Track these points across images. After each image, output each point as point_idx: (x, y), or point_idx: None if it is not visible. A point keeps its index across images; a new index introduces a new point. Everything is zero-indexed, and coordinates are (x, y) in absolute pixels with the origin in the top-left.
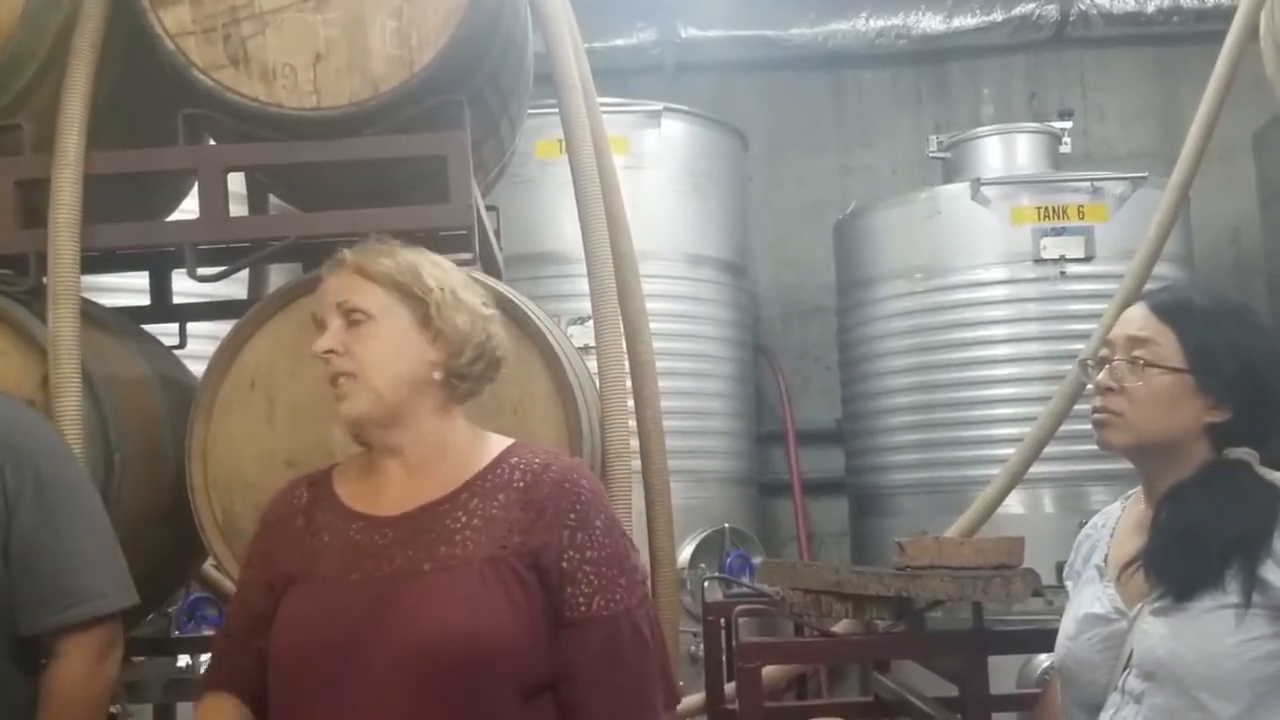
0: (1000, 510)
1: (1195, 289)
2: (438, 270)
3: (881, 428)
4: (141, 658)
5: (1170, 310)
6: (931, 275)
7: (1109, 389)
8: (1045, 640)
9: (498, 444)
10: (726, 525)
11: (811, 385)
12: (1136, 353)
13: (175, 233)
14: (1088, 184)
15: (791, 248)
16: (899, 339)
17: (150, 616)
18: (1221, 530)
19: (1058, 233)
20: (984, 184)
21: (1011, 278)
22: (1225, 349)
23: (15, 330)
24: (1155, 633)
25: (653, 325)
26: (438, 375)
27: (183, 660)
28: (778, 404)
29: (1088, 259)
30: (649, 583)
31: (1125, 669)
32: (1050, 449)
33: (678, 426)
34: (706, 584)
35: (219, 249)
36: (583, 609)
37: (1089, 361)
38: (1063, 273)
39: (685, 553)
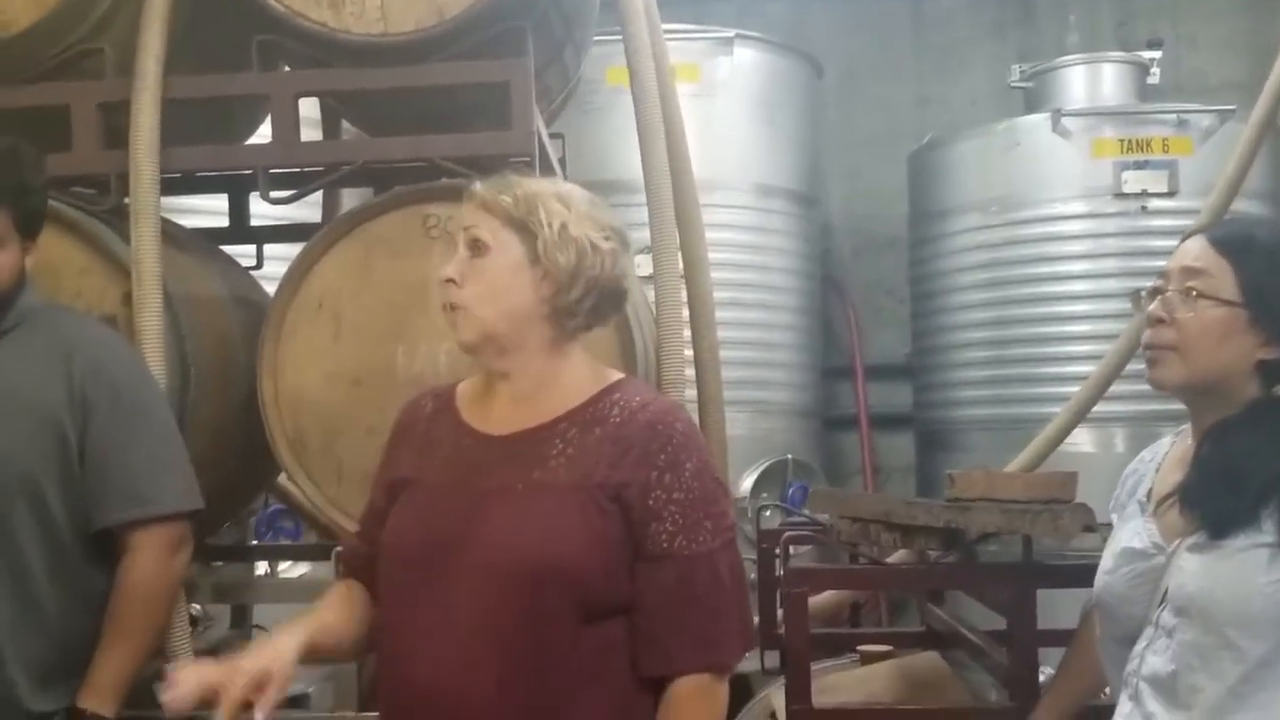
0: (1070, 449)
1: (1259, 223)
2: (556, 204)
3: (952, 362)
4: (220, 563)
5: (1229, 243)
6: (1008, 209)
7: (1159, 320)
8: (1095, 576)
9: (606, 378)
10: (789, 457)
11: (882, 318)
12: (1190, 284)
13: (248, 156)
14: (1173, 116)
15: (865, 179)
16: (973, 273)
17: (228, 525)
18: (1261, 468)
19: (1140, 166)
20: (1064, 115)
21: (1090, 212)
22: None
23: (98, 248)
24: (1189, 569)
25: (720, 255)
26: (545, 310)
27: (261, 567)
28: (846, 337)
29: (1170, 194)
30: (736, 526)
31: (1160, 604)
32: (1122, 387)
33: (743, 357)
34: (767, 513)
35: (293, 173)
36: (664, 545)
37: (1142, 293)
38: (1144, 208)
39: (747, 483)
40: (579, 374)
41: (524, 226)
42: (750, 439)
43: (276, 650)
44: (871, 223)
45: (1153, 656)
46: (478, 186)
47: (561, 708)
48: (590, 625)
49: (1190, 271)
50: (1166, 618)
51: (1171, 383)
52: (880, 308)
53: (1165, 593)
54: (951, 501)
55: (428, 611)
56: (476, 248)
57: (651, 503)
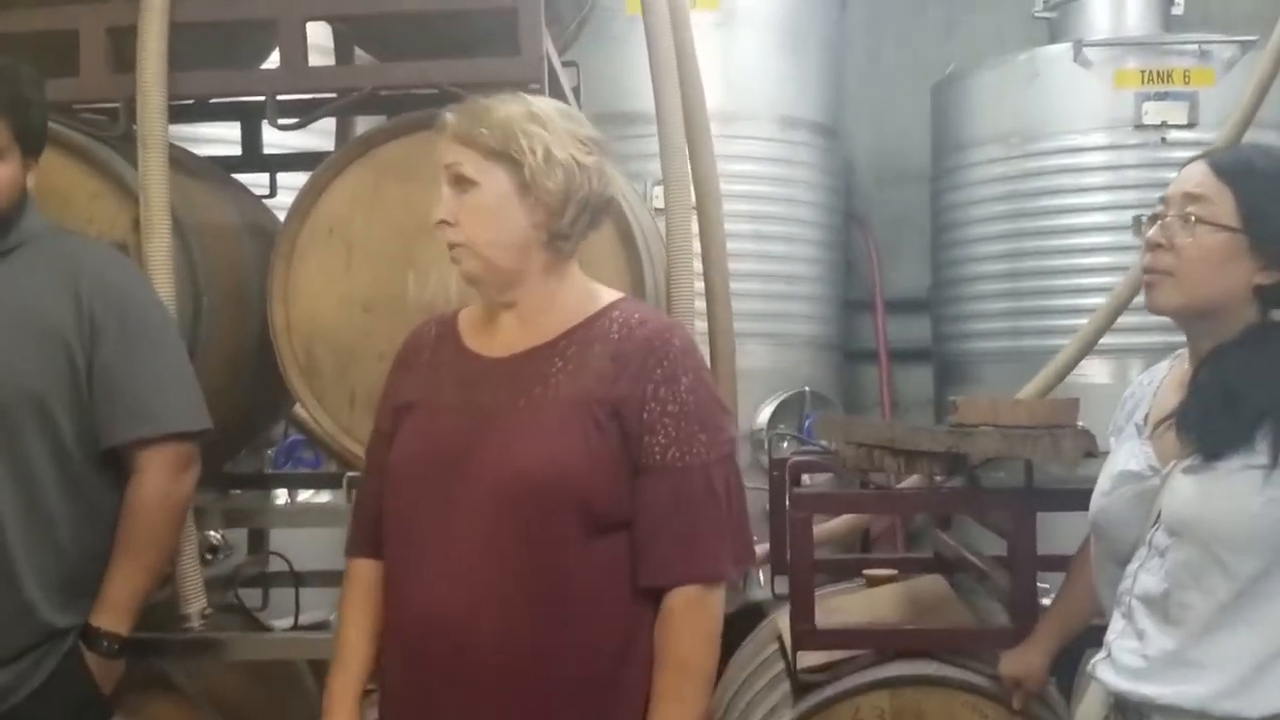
0: (1084, 379)
1: (1260, 149)
2: (534, 126)
3: (971, 295)
4: (239, 491)
5: (1229, 168)
6: (1029, 140)
7: (1158, 245)
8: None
9: (605, 297)
10: (807, 388)
11: (904, 252)
12: (1190, 209)
13: (256, 82)
14: (1195, 47)
15: (890, 111)
16: (993, 205)
17: (246, 457)
18: (1256, 391)
19: (1160, 98)
20: (1086, 45)
21: (1111, 144)
22: None
23: (108, 174)
24: (1183, 490)
25: (743, 187)
26: (542, 237)
27: (282, 497)
28: (868, 271)
29: (1191, 125)
30: (735, 443)
31: (1154, 525)
32: (1136, 319)
33: (764, 290)
34: (785, 443)
35: (306, 102)
36: (658, 458)
37: (1143, 218)
38: (1164, 139)
39: (765, 414)
40: (579, 293)
41: (506, 156)
42: (770, 371)
43: None
44: (895, 156)
45: (1145, 575)
46: (449, 118)
47: (567, 623)
48: (594, 540)
49: (1190, 197)
50: (1160, 538)
51: (1168, 307)
52: (902, 242)
53: (1159, 514)
54: (955, 427)
55: (433, 531)
56: (462, 184)
57: (646, 416)
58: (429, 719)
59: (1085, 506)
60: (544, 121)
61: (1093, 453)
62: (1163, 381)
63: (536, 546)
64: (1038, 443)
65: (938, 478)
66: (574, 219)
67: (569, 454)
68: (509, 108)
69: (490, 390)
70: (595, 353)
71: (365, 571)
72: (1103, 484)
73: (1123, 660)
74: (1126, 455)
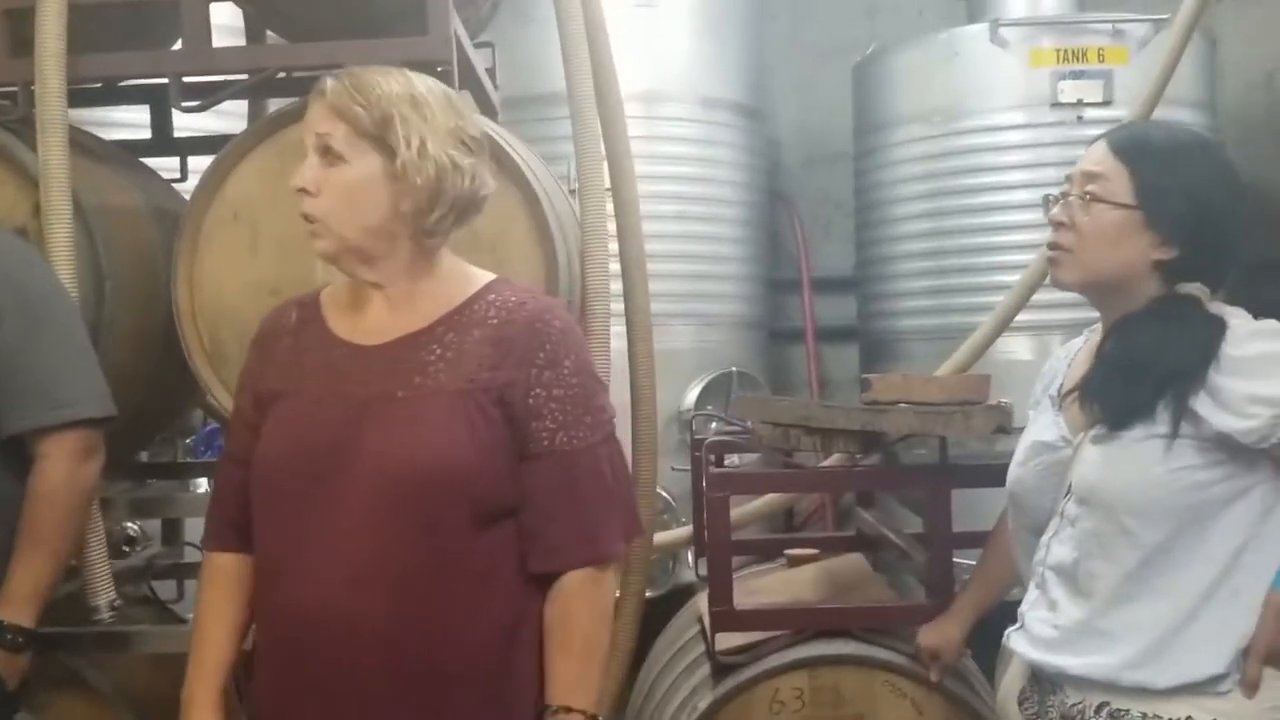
0: (1007, 356)
1: (1158, 126)
2: (414, 115)
3: (895, 274)
4: (155, 481)
5: (1125, 146)
6: (949, 119)
7: (1060, 223)
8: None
9: (479, 279)
10: (734, 369)
11: (832, 232)
12: (1089, 188)
13: (159, 63)
14: (1109, 26)
15: (814, 91)
16: (915, 184)
17: (160, 442)
18: (1158, 360)
19: (1076, 76)
20: (1002, 25)
21: (1028, 122)
22: (1177, 187)
23: (7, 159)
24: (1090, 460)
25: (666, 169)
26: (406, 229)
27: (203, 484)
28: (794, 250)
29: (1106, 103)
30: (615, 421)
31: (1066, 495)
32: (1056, 295)
33: (689, 270)
34: (712, 424)
35: (217, 84)
36: (545, 443)
37: (1050, 196)
38: (1080, 117)
39: (692, 395)
40: (451, 277)
41: (381, 140)
42: (696, 351)
43: None
44: (819, 135)
45: (1057, 546)
46: (328, 84)
47: (456, 616)
48: (482, 530)
49: (1089, 176)
50: (1071, 508)
51: (1069, 283)
52: (828, 221)
53: (1070, 484)
54: (869, 405)
55: (311, 527)
56: (329, 156)
57: (532, 401)
58: (313, 715)
59: (1000, 482)
60: (425, 111)
61: (1005, 428)
62: (1077, 354)
63: (423, 538)
64: (950, 419)
65: (856, 456)
66: (440, 218)
67: (455, 445)
68: (392, 87)
69: (364, 380)
70: (475, 338)
71: (228, 564)
72: (1018, 455)
73: (1036, 630)
74: (1041, 427)
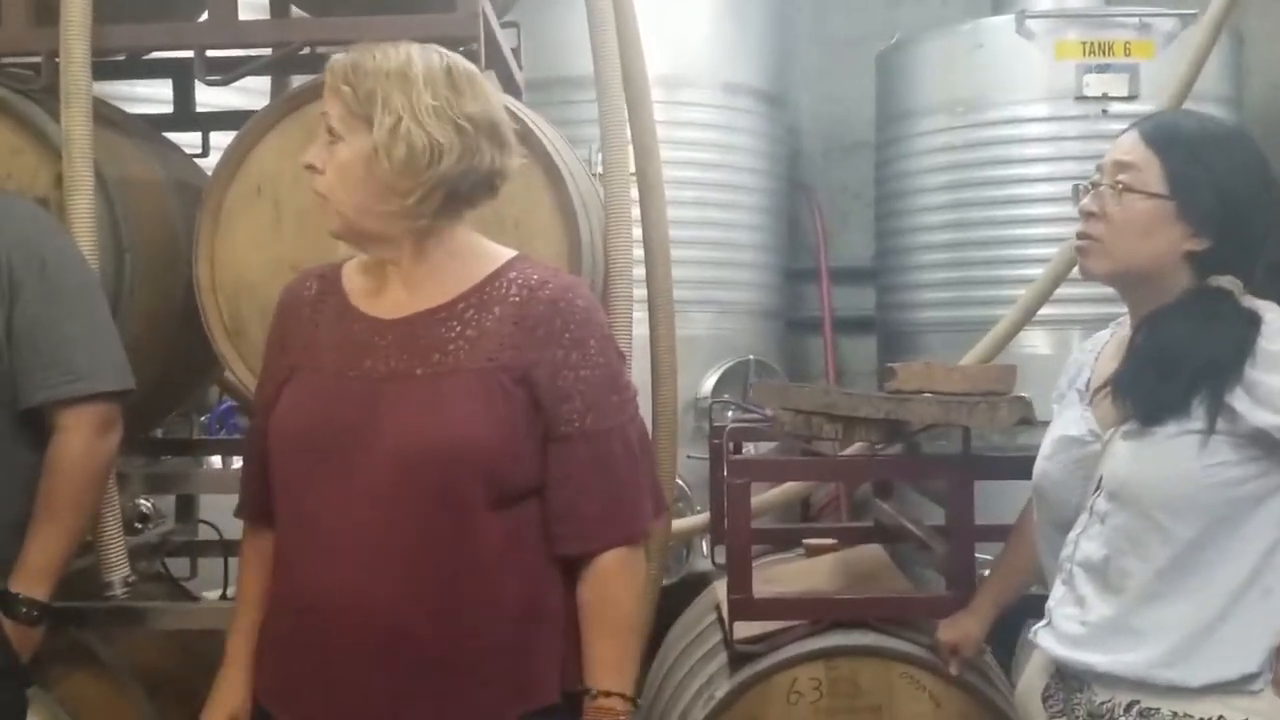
0: (1027, 350)
1: (1189, 116)
2: (397, 94)
3: (915, 264)
4: (168, 456)
5: (1156, 136)
6: (972, 110)
7: (1090, 214)
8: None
9: (499, 257)
10: (751, 357)
11: (851, 222)
12: (1120, 177)
13: (185, 34)
14: (1135, 20)
15: (836, 80)
16: (937, 175)
17: (175, 418)
18: (1192, 355)
19: (1102, 70)
20: (1029, 17)
21: (1052, 115)
22: (1207, 177)
23: (30, 129)
24: (1122, 455)
25: (686, 154)
26: (395, 207)
27: (218, 461)
28: (813, 239)
29: (1131, 98)
30: (637, 394)
31: (1095, 490)
32: (1077, 289)
33: (707, 257)
34: (729, 411)
35: (240, 59)
36: (575, 424)
37: (1080, 186)
38: (1104, 111)
39: (709, 383)
40: (471, 254)
41: (368, 119)
42: (713, 339)
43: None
44: (840, 124)
45: (1086, 542)
46: (333, 62)
47: (471, 598)
48: (500, 511)
49: (1120, 165)
50: (1100, 504)
51: (1099, 273)
52: (848, 211)
53: (1100, 479)
54: (892, 394)
55: (324, 505)
56: (331, 134)
57: (560, 382)
58: (328, 692)
59: (1024, 475)
60: (411, 89)
61: (1029, 420)
62: (1104, 347)
63: (439, 518)
64: (974, 409)
65: (877, 445)
66: (421, 199)
67: (474, 424)
68: (386, 64)
69: (383, 355)
70: (496, 316)
71: (263, 541)
72: (1044, 449)
73: (1063, 627)
74: (1068, 421)
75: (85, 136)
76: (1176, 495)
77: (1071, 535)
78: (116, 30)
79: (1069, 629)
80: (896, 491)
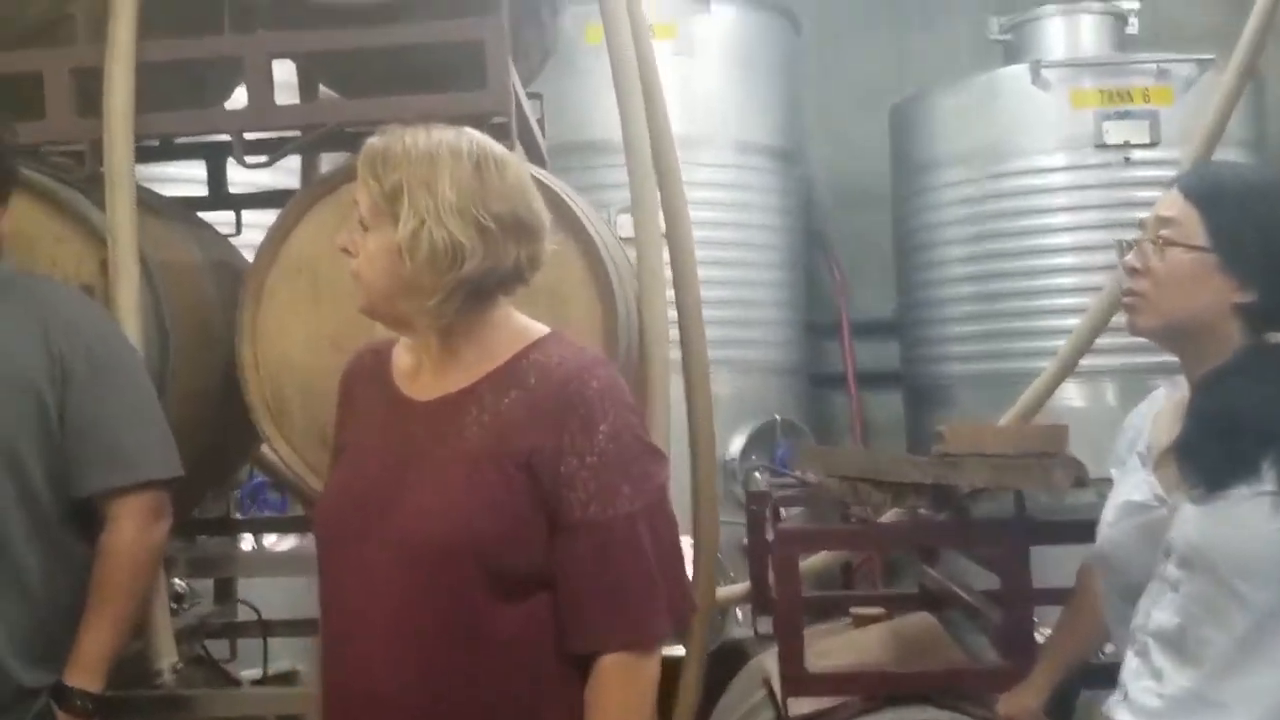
0: (1060, 403)
1: (1229, 167)
2: (423, 192)
3: (938, 318)
4: (203, 537)
5: (1197, 189)
6: (990, 161)
7: (1134, 270)
8: (1090, 531)
9: (528, 336)
10: (778, 417)
11: (867, 274)
12: (1162, 232)
13: (223, 120)
14: (1153, 66)
15: (847, 134)
16: (957, 227)
17: (211, 496)
18: (1257, 416)
19: (1121, 117)
20: (1044, 66)
21: (1072, 164)
22: (1250, 228)
23: (74, 217)
24: (1191, 521)
25: (701, 213)
26: (418, 303)
27: (247, 542)
28: (832, 293)
29: (1153, 144)
30: (666, 487)
31: (1165, 557)
32: (1112, 340)
33: (726, 316)
34: (758, 474)
35: (271, 140)
36: (577, 514)
37: (1123, 243)
38: (1127, 159)
39: (736, 445)
40: (500, 332)
41: (394, 215)
42: (735, 398)
43: None
44: (854, 177)
45: (1159, 611)
46: (364, 151)
47: (481, 691)
48: (509, 602)
49: (1162, 220)
50: (1171, 571)
51: (1147, 329)
52: (865, 263)
53: (1169, 546)
54: (941, 457)
55: (347, 587)
56: (362, 223)
57: (563, 469)
58: None
59: (1079, 539)
60: (437, 185)
61: (1084, 481)
62: (1161, 409)
63: (446, 606)
64: (1028, 472)
65: (922, 511)
66: (444, 299)
67: (472, 512)
68: (414, 153)
69: (410, 438)
70: (511, 400)
71: None
72: (1107, 515)
73: (1140, 700)
74: (1131, 486)
75: (130, 225)
76: (1252, 560)
77: (1142, 604)
78: (158, 118)
79: (1146, 702)
80: (941, 554)
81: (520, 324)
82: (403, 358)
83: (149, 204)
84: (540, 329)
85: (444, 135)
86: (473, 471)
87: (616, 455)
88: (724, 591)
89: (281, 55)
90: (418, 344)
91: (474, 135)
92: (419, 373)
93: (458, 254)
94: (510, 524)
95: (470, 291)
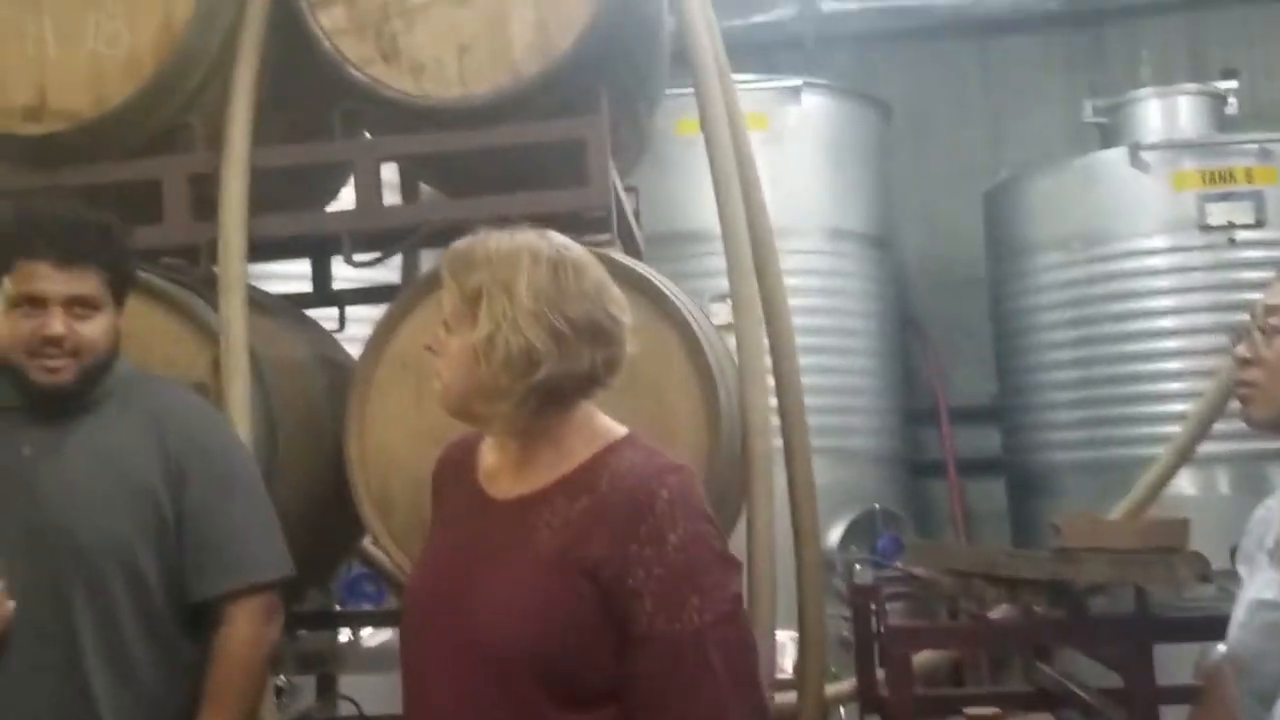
0: (1170, 491)
1: None
2: (501, 296)
3: (1041, 404)
4: (304, 631)
5: None
6: (1089, 244)
7: (1245, 360)
8: (1215, 628)
9: (605, 438)
10: (877, 506)
11: (963, 359)
12: (1272, 320)
13: (333, 221)
14: (1255, 146)
15: (940, 219)
16: (1057, 311)
17: (313, 591)
18: None
19: (1224, 198)
20: (1143, 149)
21: (1175, 245)
22: None
23: (189, 317)
24: None
25: (795, 301)
26: (494, 405)
27: (344, 635)
28: (928, 379)
29: (1258, 224)
30: (740, 598)
31: None
32: (1225, 426)
33: (823, 404)
34: (857, 567)
35: (373, 235)
36: (644, 626)
37: (1234, 332)
38: (1232, 240)
39: (835, 534)
40: (576, 436)
41: (474, 317)
42: (835, 487)
43: None
44: (948, 262)
45: None
46: (448, 254)
47: None
48: (574, 711)
49: (1271, 309)
50: None
51: (1261, 421)
52: (960, 348)
53: None
54: (1057, 552)
55: (428, 685)
56: (446, 324)
57: (631, 581)
58: None
59: (1203, 635)
60: (515, 289)
61: (1208, 578)
62: None
63: (509, 710)
64: (1151, 568)
65: (1037, 606)
66: (519, 402)
67: (531, 618)
68: (495, 258)
69: (486, 537)
70: (582, 506)
71: None
72: (1238, 614)
73: None
74: (1261, 584)
75: (241, 324)
76: None
77: (1278, 709)
78: (270, 220)
79: None
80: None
81: (600, 426)
82: (488, 454)
83: (259, 302)
84: (618, 431)
85: (526, 238)
86: (539, 577)
87: (686, 566)
88: (830, 690)
89: (391, 159)
90: (499, 443)
91: (555, 238)
92: (500, 471)
93: (532, 358)
94: (574, 633)
95: (546, 395)
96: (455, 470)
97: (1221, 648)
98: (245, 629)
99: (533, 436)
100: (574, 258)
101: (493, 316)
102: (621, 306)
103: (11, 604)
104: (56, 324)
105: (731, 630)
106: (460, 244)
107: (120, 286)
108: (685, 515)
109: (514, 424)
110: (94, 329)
